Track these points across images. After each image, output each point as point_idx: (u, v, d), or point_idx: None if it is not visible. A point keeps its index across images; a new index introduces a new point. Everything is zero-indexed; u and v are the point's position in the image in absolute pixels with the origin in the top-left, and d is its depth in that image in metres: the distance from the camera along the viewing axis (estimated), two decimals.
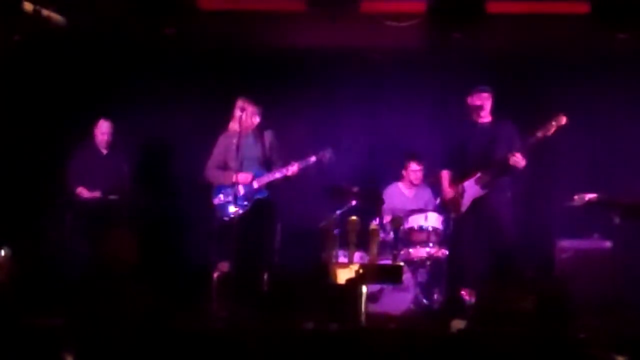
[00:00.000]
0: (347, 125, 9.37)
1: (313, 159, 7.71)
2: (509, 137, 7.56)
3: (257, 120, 7.85)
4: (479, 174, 7.55)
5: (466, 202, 7.62)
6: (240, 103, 7.72)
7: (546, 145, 7.41)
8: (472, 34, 8.26)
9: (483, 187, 7.53)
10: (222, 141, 7.88)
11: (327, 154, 7.73)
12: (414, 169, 8.79)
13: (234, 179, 7.60)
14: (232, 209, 7.67)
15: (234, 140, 7.64)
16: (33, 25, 8.40)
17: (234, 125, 7.78)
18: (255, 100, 7.84)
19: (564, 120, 7.24)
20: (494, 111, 7.70)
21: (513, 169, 7.40)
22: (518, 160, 7.33)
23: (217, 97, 9.09)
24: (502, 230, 7.50)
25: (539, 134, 7.30)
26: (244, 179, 7.70)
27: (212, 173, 7.88)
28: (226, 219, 7.72)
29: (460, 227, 7.75)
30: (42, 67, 9.15)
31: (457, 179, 7.75)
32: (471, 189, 7.60)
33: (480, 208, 7.57)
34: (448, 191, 7.81)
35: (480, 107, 7.65)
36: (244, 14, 8.71)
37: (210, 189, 7.91)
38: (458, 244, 7.79)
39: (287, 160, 7.74)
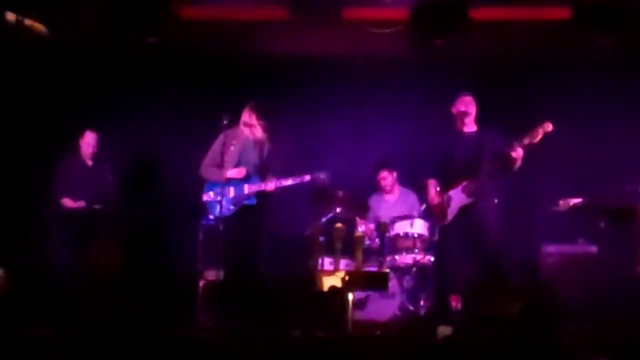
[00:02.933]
0: (330, 133, 9.38)
1: (307, 178, 7.76)
2: (494, 145, 7.56)
3: (257, 126, 7.84)
4: (465, 183, 7.55)
5: (453, 210, 7.61)
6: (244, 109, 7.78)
7: (531, 151, 7.43)
8: (455, 41, 8.27)
9: (469, 195, 7.53)
10: (221, 139, 7.78)
11: (322, 177, 7.76)
12: (383, 177, 8.81)
13: (227, 175, 7.62)
14: (218, 209, 7.62)
15: (233, 142, 7.69)
16: (16, 36, 8.36)
17: (239, 128, 7.81)
18: (259, 109, 7.85)
19: (550, 127, 7.27)
20: (479, 118, 7.71)
21: (512, 164, 7.37)
22: (519, 154, 7.33)
23: (200, 105, 9.11)
24: (488, 236, 7.49)
25: (526, 141, 7.31)
26: (237, 174, 7.69)
27: (207, 169, 7.85)
28: (211, 217, 7.72)
29: (446, 234, 7.74)
30: (26, 78, 9.12)
31: (443, 188, 7.75)
32: (457, 197, 7.59)
33: (466, 215, 7.57)
34: (434, 200, 7.79)
35: (464, 113, 7.64)
36: (226, 22, 8.72)
37: (200, 189, 7.87)
38: (444, 250, 7.78)
39: (281, 173, 7.77)
